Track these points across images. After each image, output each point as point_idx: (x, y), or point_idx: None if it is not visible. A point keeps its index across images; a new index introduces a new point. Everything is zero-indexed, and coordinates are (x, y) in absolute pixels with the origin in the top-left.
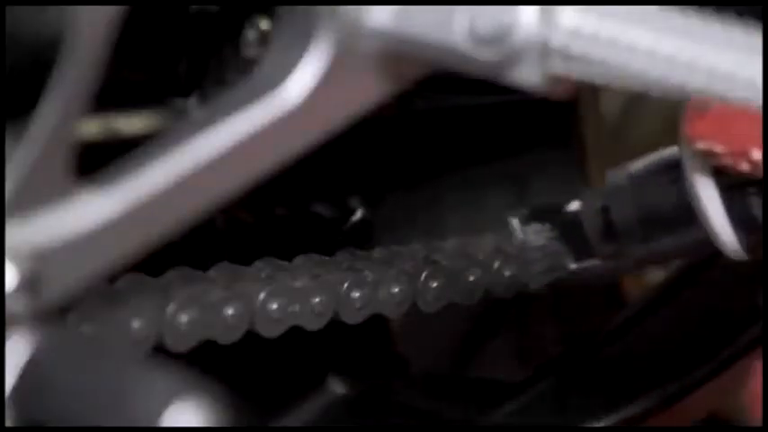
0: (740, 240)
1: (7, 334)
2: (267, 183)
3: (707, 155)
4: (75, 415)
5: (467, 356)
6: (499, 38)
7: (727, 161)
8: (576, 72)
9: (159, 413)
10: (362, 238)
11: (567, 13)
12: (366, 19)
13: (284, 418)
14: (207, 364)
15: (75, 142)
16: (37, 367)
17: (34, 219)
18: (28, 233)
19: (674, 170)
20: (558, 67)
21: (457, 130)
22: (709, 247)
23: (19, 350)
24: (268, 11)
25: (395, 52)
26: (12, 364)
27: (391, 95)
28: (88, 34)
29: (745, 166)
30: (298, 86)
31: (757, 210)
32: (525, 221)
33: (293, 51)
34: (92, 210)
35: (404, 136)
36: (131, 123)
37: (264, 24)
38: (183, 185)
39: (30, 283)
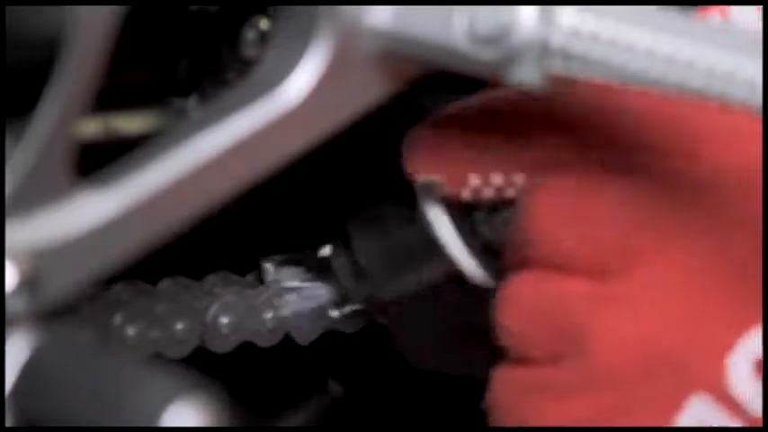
0: (484, 267)
1: (7, 334)
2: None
3: (430, 187)
4: (75, 415)
5: (465, 356)
6: (499, 38)
7: (449, 191)
8: (576, 72)
9: (159, 413)
10: None
11: (567, 13)
12: (365, 19)
13: (284, 418)
14: (207, 366)
15: (75, 142)
16: (37, 367)
17: (34, 219)
18: (28, 233)
19: (410, 204)
20: (558, 67)
21: None
22: (458, 278)
23: (19, 350)
24: (267, 11)
25: (394, 52)
26: (12, 363)
27: (391, 95)
28: (88, 34)
29: (466, 194)
30: (297, 86)
31: (490, 235)
32: (279, 266)
33: (293, 51)
34: (91, 210)
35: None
36: (131, 123)
37: (264, 24)
38: (182, 185)
39: (30, 283)
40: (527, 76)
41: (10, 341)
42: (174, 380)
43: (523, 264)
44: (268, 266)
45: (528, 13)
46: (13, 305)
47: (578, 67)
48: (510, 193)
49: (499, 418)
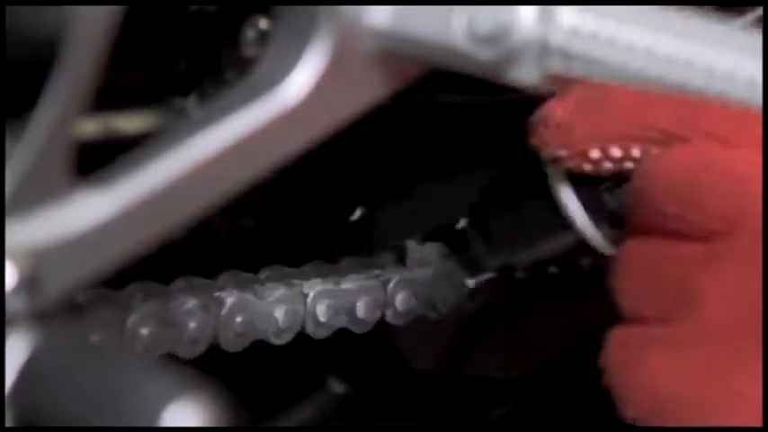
0: (605, 236)
1: (7, 334)
2: (265, 182)
3: (555, 160)
4: (74, 415)
5: (465, 355)
6: (498, 37)
7: (572, 163)
8: (575, 71)
9: (159, 413)
10: (363, 237)
11: (566, 13)
12: (365, 18)
13: (284, 416)
14: (208, 366)
15: (74, 142)
16: (36, 367)
17: (34, 218)
18: (27, 232)
19: (539, 178)
20: (557, 67)
21: (458, 128)
22: (585, 247)
23: (18, 350)
24: (267, 10)
25: (394, 52)
26: (11, 363)
27: (390, 95)
28: (87, 34)
29: (587, 167)
30: (296, 86)
31: (612, 204)
32: (421, 242)
33: (292, 51)
34: (91, 209)
35: (404, 132)
36: (130, 123)
37: (263, 24)
38: (182, 185)
39: (29, 283)
40: (526, 75)
41: (9, 341)
42: (174, 380)
43: (638, 229)
44: (411, 244)
45: (527, 12)
46: (12, 305)
47: (578, 67)
48: (629, 165)
49: (611, 374)
